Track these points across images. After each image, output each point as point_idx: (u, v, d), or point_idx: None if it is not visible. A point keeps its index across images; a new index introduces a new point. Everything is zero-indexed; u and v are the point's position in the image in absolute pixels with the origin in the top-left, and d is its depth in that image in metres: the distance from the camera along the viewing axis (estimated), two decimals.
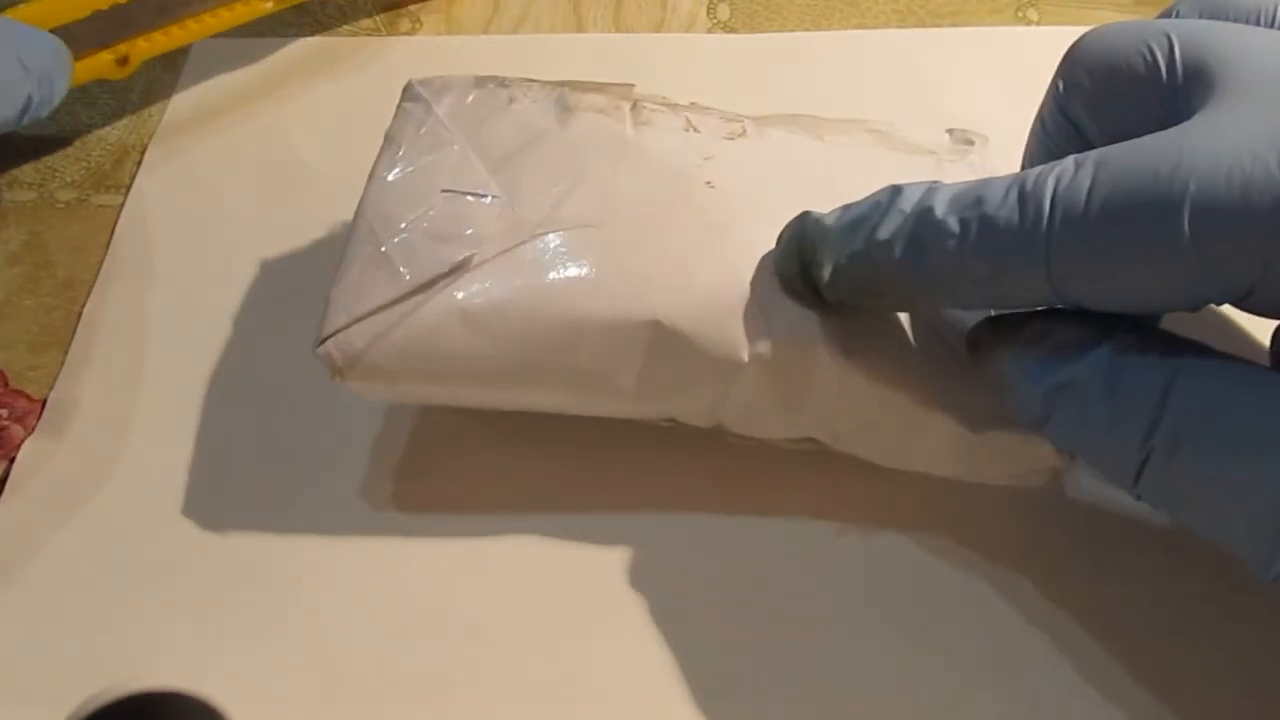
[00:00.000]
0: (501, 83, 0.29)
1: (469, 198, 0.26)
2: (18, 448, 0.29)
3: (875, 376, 0.24)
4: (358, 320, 0.25)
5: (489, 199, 0.26)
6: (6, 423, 0.29)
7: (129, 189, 0.35)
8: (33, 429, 0.29)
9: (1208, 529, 0.21)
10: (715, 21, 0.40)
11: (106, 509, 0.28)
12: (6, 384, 0.30)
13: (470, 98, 0.29)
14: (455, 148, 0.27)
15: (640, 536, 0.27)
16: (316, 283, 0.28)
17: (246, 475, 0.28)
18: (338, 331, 0.25)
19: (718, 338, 0.24)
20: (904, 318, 0.26)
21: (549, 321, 0.24)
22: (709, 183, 0.26)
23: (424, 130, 0.28)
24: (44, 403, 0.30)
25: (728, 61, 0.38)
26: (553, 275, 0.25)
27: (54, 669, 0.25)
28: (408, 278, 0.25)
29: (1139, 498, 0.21)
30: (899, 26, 0.39)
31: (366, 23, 0.40)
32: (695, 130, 0.28)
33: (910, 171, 0.28)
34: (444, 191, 0.26)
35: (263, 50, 0.39)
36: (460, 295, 0.25)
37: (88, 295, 0.32)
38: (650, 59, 0.38)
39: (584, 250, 0.25)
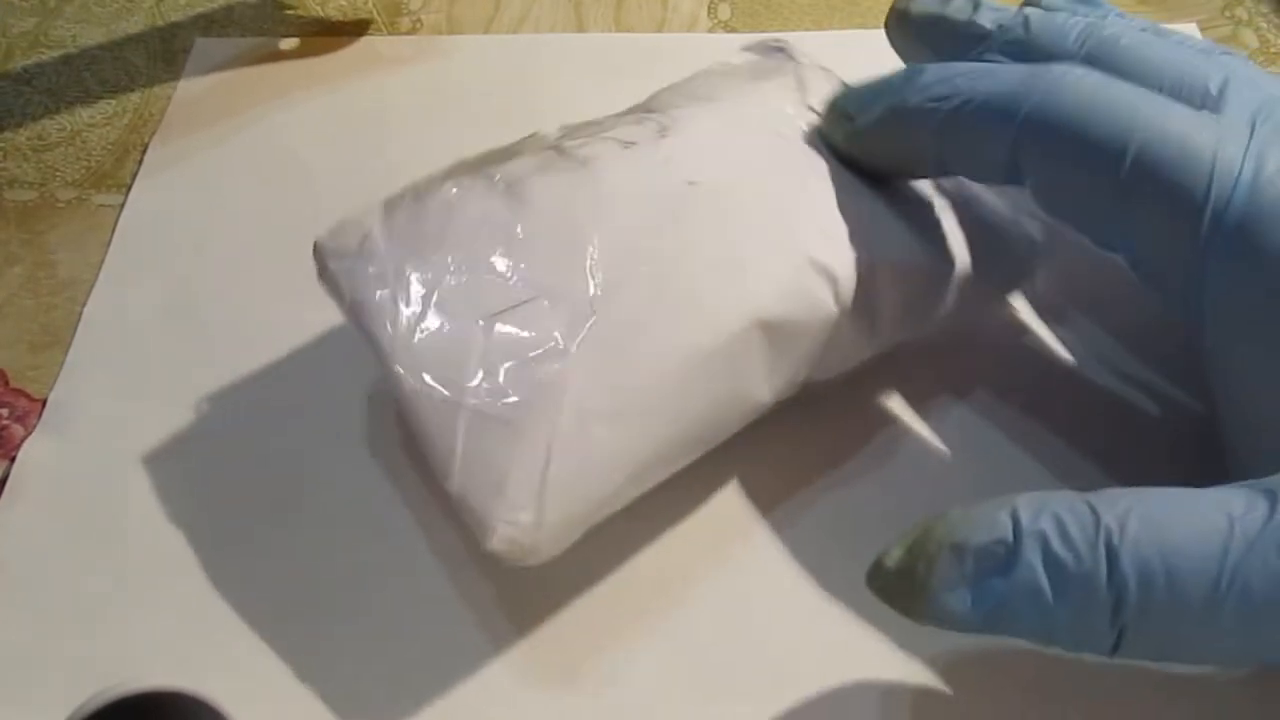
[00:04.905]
0: (416, 195, 0.25)
1: (511, 311, 0.23)
2: (18, 447, 0.29)
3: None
4: (509, 499, 0.22)
5: (528, 303, 0.23)
6: (6, 422, 0.29)
7: (129, 189, 0.35)
8: (33, 429, 0.29)
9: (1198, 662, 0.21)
10: (716, 21, 0.40)
11: (106, 509, 0.27)
12: (7, 384, 0.30)
13: (401, 223, 0.25)
14: (440, 291, 0.24)
15: (646, 518, 0.27)
16: (316, 282, 0.28)
17: (247, 475, 0.28)
18: (499, 522, 0.22)
19: (809, 301, 0.25)
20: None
21: (664, 378, 0.23)
22: (690, 182, 0.26)
23: (385, 292, 0.23)
24: (44, 403, 0.30)
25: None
26: (637, 335, 0.23)
27: (54, 669, 0.25)
28: (519, 415, 0.22)
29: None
30: None
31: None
32: (632, 143, 0.26)
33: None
34: (484, 317, 0.23)
35: (263, 50, 0.39)
36: (575, 402, 0.23)
37: (88, 295, 0.32)
38: (650, 59, 0.38)
39: (644, 300, 0.24)
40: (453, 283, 0.24)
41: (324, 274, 0.25)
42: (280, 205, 0.34)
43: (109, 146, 0.36)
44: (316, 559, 0.27)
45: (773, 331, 0.25)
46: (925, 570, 0.20)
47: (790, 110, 0.28)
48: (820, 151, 0.27)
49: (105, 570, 0.26)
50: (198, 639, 0.25)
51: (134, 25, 0.40)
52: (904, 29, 0.29)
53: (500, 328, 0.23)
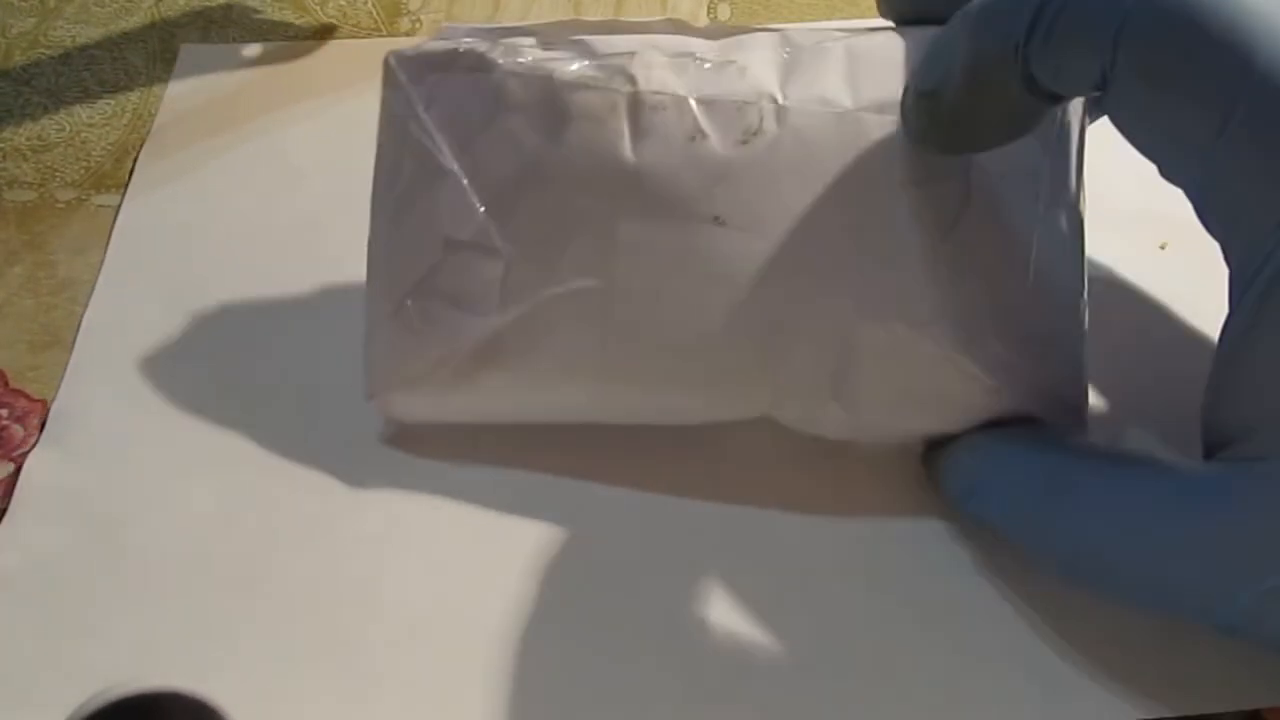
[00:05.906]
0: (483, 64, 0.26)
1: (472, 251, 0.26)
2: (17, 447, 0.29)
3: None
4: (393, 389, 0.27)
5: (490, 255, 0.26)
6: (6, 422, 0.29)
7: (129, 189, 0.35)
8: (33, 429, 0.29)
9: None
10: (715, 21, 0.40)
11: (107, 511, 0.28)
12: (6, 384, 0.30)
13: (456, 90, 0.26)
14: (449, 181, 0.26)
15: (648, 521, 0.27)
16: (314, 282, 0.28)
17: (247, 475, 0.28)
18: (380, 394, 0.27)
19: (722, 403, 0.26)
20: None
21: (558, 392, 0.26)
22: (717, 218, 0.25)
23: (412, 143, 0.26)
24: (44, 403, 0.30)
25: None
26: (560, 345, 0.25)
27: (54, 669, 0.25)
28: (433, 348, 0.26)
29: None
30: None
31: (366, 23, 0.40)
32: (704, 136, 0.25)
33: None
34: (447, 242, 0.26)
35: (260, 51, 0.39)
36: (481, 371, 0.26)
37: (88, 297, 0.32)
38: None
39: (587, 313, 0.25)
40: (449, 189, 0.26)
41: (387, 75, 0.27)
42: (279, 206, 0.34)
43: (108, 147, 0.36)
44: (317, 560, 0.27)
45: (670, 401, 0.26)
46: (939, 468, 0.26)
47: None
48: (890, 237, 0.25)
49: (105, 572, 0.26)
50: (198, 639, 0.25)
51: (133, 25, 0.40)
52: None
53: (452, 256, 0.26)
